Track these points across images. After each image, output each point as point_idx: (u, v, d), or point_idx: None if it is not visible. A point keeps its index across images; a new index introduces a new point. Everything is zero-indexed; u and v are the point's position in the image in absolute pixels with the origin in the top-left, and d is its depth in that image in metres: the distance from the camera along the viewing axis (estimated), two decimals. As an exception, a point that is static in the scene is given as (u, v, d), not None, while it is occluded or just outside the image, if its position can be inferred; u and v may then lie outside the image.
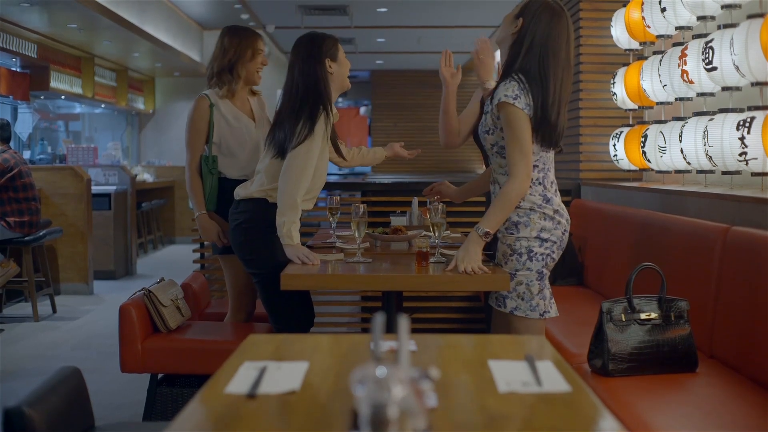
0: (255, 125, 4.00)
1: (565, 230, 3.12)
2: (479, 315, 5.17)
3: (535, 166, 3.07)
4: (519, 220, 3.07)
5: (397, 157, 4.19)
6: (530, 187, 3.06)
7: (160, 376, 3.70)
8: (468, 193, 3.82)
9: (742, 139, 3.51)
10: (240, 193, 3.59)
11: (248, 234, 3.53)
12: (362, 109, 18.07)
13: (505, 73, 3.08)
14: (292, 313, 3.58)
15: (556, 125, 3.04)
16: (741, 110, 3.65)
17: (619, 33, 5.12)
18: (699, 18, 4.10)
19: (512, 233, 3.08)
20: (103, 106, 12.33)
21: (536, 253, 3.05)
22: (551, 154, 3.15)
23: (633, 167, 4.98)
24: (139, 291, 3.65)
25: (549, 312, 3.11)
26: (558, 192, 3.18)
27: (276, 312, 3.58)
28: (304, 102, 3.42)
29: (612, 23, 5.22)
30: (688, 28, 4.35)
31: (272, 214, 3.41)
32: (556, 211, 3.09)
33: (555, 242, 3.08)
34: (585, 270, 4.84)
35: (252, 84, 4.05)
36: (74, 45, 10.27)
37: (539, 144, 3.05)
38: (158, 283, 3.71)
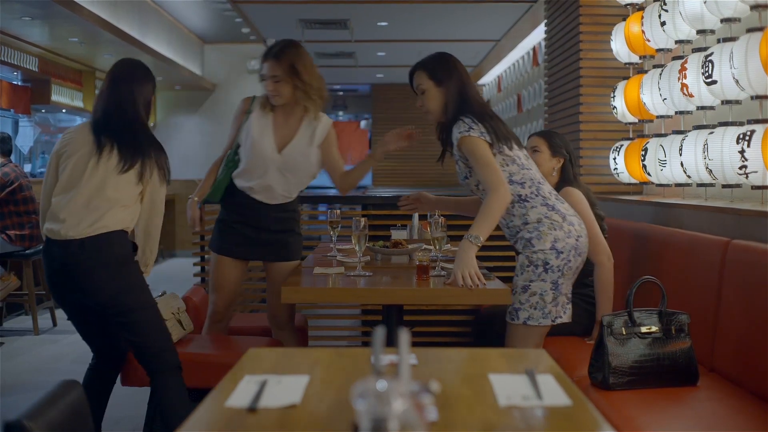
0: (277, 150, 3.79)
1: (579, 236, 3.29)
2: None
3: (522, 184, 3.28)
4: (531, 235, 3.25)
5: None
6: (528, 200, 3.27)
7: (160, 389, 3.69)
8: (445, 206, 3.87)
9: (742, 152, 3.51)
10: (84, 228, 3.18)
11: (130, 266, 3.29)
12: (363, 123, 18.09)
13: (452, 122, 3.36)
14: (172, 344, 3.44)
15: (500, 127, 3.33)
16: (741, 124, 3.66)
17: (619, 47, 5.14)
18: (698, 32, 4.11)
19: (528, 248, 3.25)
20: (104, 119, 12.33)
21: (552, 265, 3.22)
22: (534, 171, 3.36)
23: (633, 181, 4.99)
24: None
25: (561, 317, 3.29)
26: (562, 200, 3.37)
27: (160, 348, 3.35)
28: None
29: (612, 37, 5.24)
30: (688, 41, 4.36)
31: (130, 245, 3.32)
32: (564, 218, 3.27)
33: (570, 251, 3.23)
34: (585, 283, 4.83)
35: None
36: (75, 58, 10.30)
37: (502, 149, 3.28)
38: (160, 296, 3.70)
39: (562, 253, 3.22)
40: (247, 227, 3.87)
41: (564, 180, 3.95)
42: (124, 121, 3.32)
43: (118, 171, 3.22)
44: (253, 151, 3.80)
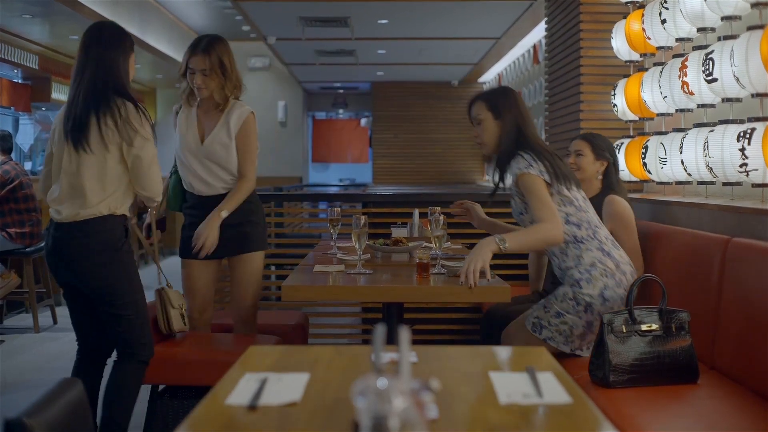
0: (200, 141, 3.83)
1: (626, 288, 3.22)
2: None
3: (579, 225, 3.25)
4: (581, 276, 3.22)
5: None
6: (583, 242, 3.22)
7: (160, 387, 3.69)
8: (491, 227, 3.74)
9: (742, 150, 3.51)
10: (71, 214, 3.20)
11: (112, 254, 3.24)
12: (363, 121, 18.09)
13: (505, 155, 3.34)
14: (150, 339, 3.41)
15: (560, 166, 3.29)
16: (741, 121, 3.65)
17: (620, 44, 5.13)
18: (699, 30, 4.10)
19: (576, 287, 3.22)
20: (104, 117, 12.32)
21: (594, 310, 3.20)
22: (591, 214, 3.33)
23: (634, 178, 4.99)
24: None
25: (582, 351, 3.25)
26: (617, 246, 3.33)
27: (136, 341, 3.35)
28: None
29: (612, 35, 5.23)
30: (689, 39, 4.36)
31: (121, 226, 3.27)
32: (617, 266, 3.25)
33: (617, 300, 3.21)
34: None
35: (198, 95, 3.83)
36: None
37: (560, 189, 3.25)
38: (166, 287, 3.70)
39: (608, 301, 3.20)
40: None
41: (607, 186, 3.93)
42: (84, 93, 3.26)
43: (78, 149, 3.20)
44: (180, 144, 3.88)
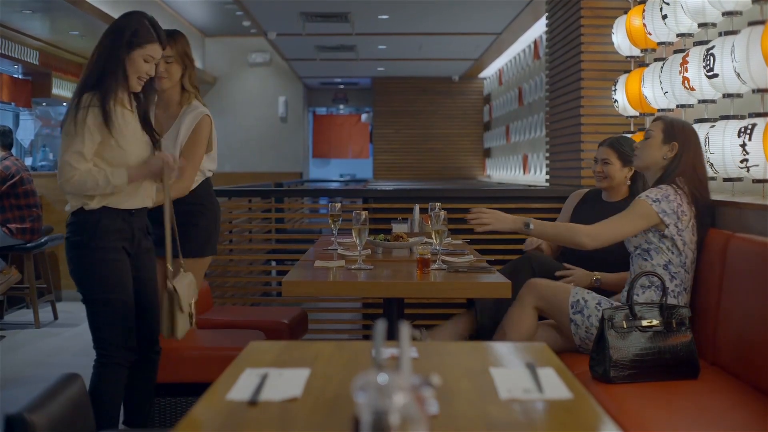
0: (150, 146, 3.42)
1: None
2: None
3: (672, 277, 3.20)
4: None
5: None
6: (666, 294, 3.04)
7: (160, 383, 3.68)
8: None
9: (743, 146, 3.51)
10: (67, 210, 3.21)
11: (77, 250, 3.16)
12: (364, 116, 18.08)
13: (653, 174, 3.35)
14: (117, 342, 3.20)
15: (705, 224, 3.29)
16: (742, 117, 3.65)
17: (620, 40, 5.13)
18: (700, 25, 4.10)
19: None
20: (104, 112, 12.31)
21: None
22: (690, 277, 3.26)
23: (634, 174, 4.99)
24: None
25: (582, 350, 3.30)
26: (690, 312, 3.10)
27: (108, 341, 3.19)
28: None
29: (613, 30, 5.23)
30: (689, 35, 4.35)
31: (91, 221, 3.12)
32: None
33: None
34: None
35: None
36: (76, 52, 10.29)
37: (674, 238, 3.20)
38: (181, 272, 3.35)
39: None
40: (152, 224, 3.52)
41: (634, 191, 3.88)
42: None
43: None
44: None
